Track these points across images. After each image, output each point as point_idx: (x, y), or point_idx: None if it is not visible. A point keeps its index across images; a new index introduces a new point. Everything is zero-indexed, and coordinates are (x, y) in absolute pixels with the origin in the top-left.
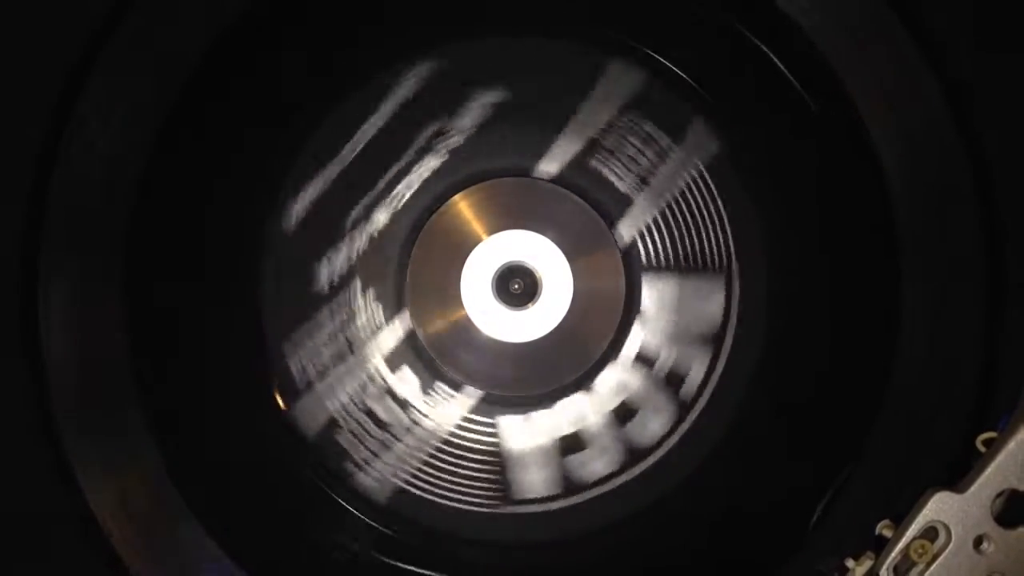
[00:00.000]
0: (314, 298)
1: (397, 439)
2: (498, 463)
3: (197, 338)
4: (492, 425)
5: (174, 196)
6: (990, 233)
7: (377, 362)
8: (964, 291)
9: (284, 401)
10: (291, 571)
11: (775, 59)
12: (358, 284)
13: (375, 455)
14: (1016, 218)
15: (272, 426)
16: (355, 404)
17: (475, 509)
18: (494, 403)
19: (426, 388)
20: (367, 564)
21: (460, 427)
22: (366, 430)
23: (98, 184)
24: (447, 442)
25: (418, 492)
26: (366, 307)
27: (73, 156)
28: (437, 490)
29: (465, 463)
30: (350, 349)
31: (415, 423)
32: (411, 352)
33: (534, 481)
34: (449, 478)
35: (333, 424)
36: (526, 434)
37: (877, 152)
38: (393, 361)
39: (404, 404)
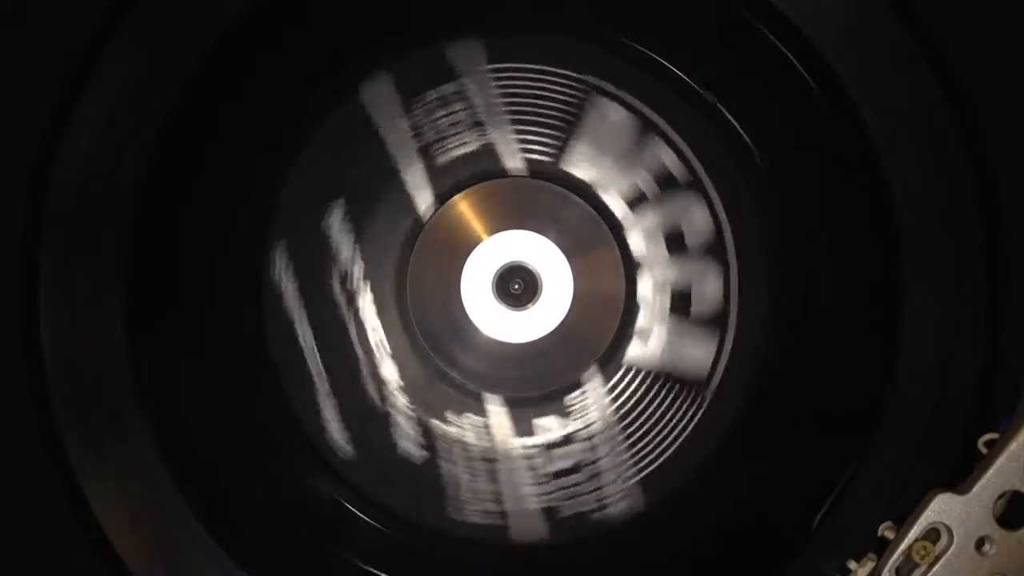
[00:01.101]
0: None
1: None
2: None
3: (197, 338)
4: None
5: (174, 196)
6: (990, 233)
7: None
8: (964, 291)
9: (285, 401)
10: (292, 571)
11: (774, 62)
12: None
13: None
14: (1016, 218)
15: (273, 426)
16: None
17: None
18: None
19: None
20: (369, 564)
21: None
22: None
23: (98, 184)
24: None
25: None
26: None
27: (73, 156)
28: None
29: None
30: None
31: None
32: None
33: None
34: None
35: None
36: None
37: (878, 153)
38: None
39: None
